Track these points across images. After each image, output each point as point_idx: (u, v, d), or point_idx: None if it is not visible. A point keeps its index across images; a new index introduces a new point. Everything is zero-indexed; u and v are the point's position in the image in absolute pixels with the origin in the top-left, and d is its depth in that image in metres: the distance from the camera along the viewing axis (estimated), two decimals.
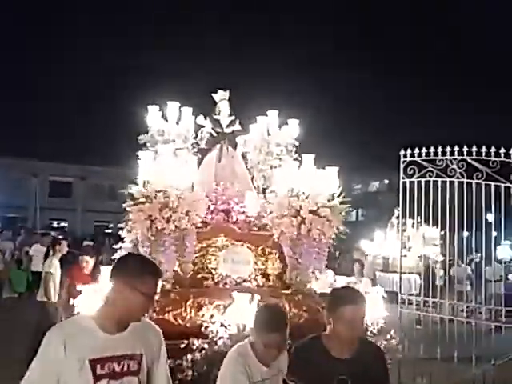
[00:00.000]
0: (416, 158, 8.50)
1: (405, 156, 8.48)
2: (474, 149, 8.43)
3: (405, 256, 10.94)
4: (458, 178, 8.56)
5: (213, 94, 7.43)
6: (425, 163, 8.86)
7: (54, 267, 8.44)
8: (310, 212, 5.27)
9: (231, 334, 4.65)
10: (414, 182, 8.27)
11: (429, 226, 9.73)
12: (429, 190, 8.73)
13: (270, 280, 5.54)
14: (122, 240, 6.29)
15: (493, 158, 8.26)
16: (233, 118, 7.35)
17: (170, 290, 5.08)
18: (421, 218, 9.27)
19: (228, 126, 7.31)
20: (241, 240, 5.82)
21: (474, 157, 8.40)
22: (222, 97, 7.35)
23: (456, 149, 8.56)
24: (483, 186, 8.25)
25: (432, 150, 8.78)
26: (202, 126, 7.10)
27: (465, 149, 8.52)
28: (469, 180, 8.40)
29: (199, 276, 5.45)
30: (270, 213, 5.71)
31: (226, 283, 5.31)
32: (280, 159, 6.68)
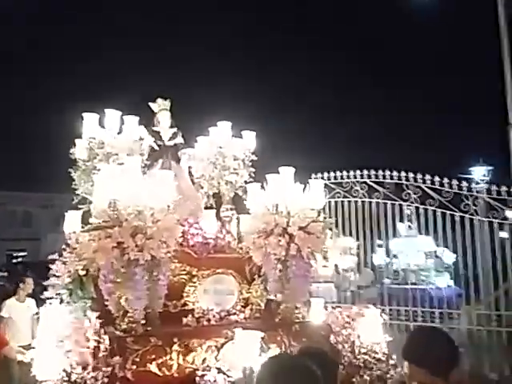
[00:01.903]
0: (326, 181, 9.26)
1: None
2: (373, 172, 9.99)
3: (325, 266, 10.95)
4: (360, 197, 10.14)
5: (151, 104, 6.38)
6: (333, 185, 10.31)
7: None
8: (300, 229, 4.47)
9: (233, 380, 3.70)
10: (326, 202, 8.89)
11: (345, 237, 10.72)
12: (337, 208, 10.25)
13: (253, 310, 4.63)
14: (54, 275, 5.05)
15: (388, 181, 9.50)
16: (175, 129, 6.36)
17: (149, 335, 3.97)
18: (338, 231, 10.08)
19: (170, 139, 6.30)
20: (197, 265, 4.86)
21: (373, 179, 10.07)
22: (161, 106, 6.32)
23: (358, 173, 10.11)
24: (381, 205, 9.93)
25: (338, 173, 10.32)
26: (142, 139, 6.01)
27: (365, 172, 10.04)
28: (369, 199, 10.01)
29: (173, 312, 4.38)
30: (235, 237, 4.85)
31: (209, 319, 4.31)
32: (237, 174, 5.81)
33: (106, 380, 3.58)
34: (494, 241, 9.25)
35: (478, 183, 11.67)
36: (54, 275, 5.04)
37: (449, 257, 13.20)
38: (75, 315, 4.63)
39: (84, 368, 3.58)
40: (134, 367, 3.70)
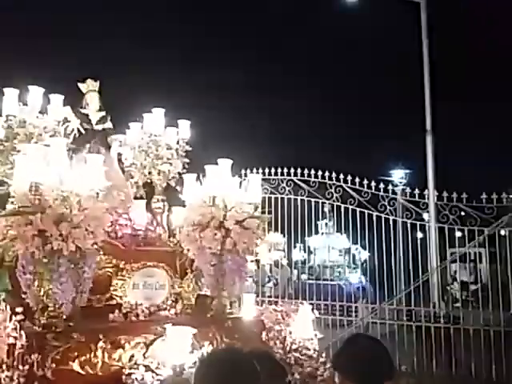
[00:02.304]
0: None
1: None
2: (299, 170, 10.10)
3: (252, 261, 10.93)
4: (286, 194, 10.23)
5: (80, 84, 5.93)
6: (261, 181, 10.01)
7: None
8: (237, 223, 4.29)
9: (162, 379, 3.46)
10: None
11: (274, 233, 10.64)
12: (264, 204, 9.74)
13: (184, 305, 4.38)
14: None
15: (312, 179, 9.66)
16: (103, 113, 5.96)
17: (71, 331, 3.63)
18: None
19: (98, 123, 5.90)
20: (125, 257, 4.56)
21: (299, 177, 10.16)
22: (90, 87, 5.90)
23: (285, 170, 10.19)
24: (305, 202, 10.00)
25: (266, 170, 10.26)
26: (68, 121, 5.56)
27: (292, 170, 10.14)
28: (295, 196, 10.06)
29: (98, 307, 4.05)
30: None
31: (137, 314, 4.02)
32: (171, 164, 5.53)
33: (22, 380, 3.23)
34: (407, 240, 9.55)
35: (396, 185, 12.06)
36: None
37: (362, 254, 13.60)
38: None
39: (0, 366, 3.20)
40: (54, 365, 3.36)
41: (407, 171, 16.84)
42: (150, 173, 5.59)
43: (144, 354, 3.60)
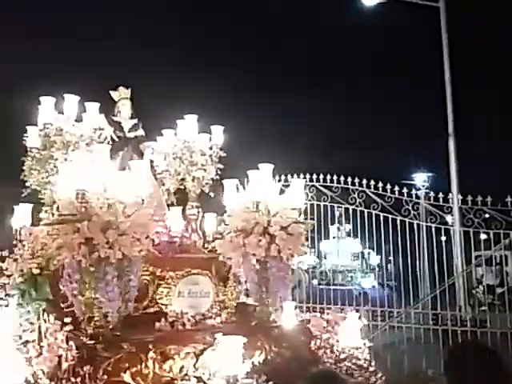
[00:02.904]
0: None
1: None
2: (321, 176, 9.91)
3: None
4: (309, 200, 9.46)
5: (111, 92, 5.86)
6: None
7: None
8: (281, 229, 4.15)
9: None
10: None
11: None
12: None
13: (229, 313, 4.24)
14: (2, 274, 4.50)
15: (335, 184, 9.60)
16: (135, 121, 5.88)
17: (121, 341, 3.51)
18: None
19: (130, 131, 5.82)
20: (161, 265, 4.43)
21: (321, 183, 9.91)
22: (122, 95, 5.82)
23: (308, 176, 9.81)
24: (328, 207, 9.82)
25: (289, 177, 9.37)
26: (101, 129, 5.47)
27: (314, 176, 9.89)
28: (318, 202, 9.78)
29: (141, 316, 3.92)
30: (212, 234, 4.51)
31: (183, 323, 3.88)
32: (205, 170, 5.41)
33: None
34: (432, 244, 9.38)
35: (419, 189, 11.87)
36: (4, 274, 4.44)
37: (374, 258, 13.35)
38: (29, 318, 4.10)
39: (51, 379, 3.08)
40: (106, 377, 3.23)
41: (430, 174, 16.59)
42: (183, 179, 5.48)
43: (194, 365, 3.46)
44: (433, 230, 9.34)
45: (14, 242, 4.67)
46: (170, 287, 3.98)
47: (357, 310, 9.49)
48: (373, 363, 4.17)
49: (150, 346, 3.47)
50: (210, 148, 5.51)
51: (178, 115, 5.87)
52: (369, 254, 14.58)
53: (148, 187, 3.91)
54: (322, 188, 10.29)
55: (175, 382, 3.38)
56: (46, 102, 4.89)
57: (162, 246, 4.88)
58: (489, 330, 8.13)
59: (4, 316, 3.92)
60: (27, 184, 5.23)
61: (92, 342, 3.41)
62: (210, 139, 5.57)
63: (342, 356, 4.01)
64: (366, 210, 9.91)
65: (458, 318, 8.86)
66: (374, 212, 9.81)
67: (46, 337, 3.94)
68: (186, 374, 3.40)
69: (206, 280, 4.13)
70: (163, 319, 3.86)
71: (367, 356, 4.11)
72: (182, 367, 3.45)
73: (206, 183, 5.46)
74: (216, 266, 4.53)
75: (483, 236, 9.44)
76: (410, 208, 9.58)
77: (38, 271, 4.42)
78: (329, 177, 10.07)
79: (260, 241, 4.12)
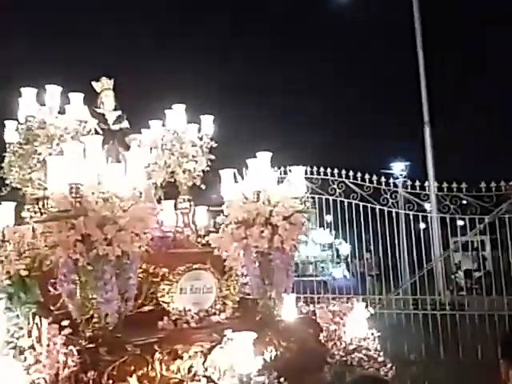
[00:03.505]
0: None
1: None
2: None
3: None
4: None
5: (94, 83, 5.54)
6: None
7: None
8: (284, 219, 3.95)
9: None
10: None
11: None
12: None
13: (232, 309, 4.01)
14: None
15: (315, 176, 9.10)
16: (119, 112, 5.58)
17: (123, 342, 3.25)
18: None
19: (115, 123, 5.51)
20: (155, 262, 4.17)
21: None
22: (105, 85, 5.51)
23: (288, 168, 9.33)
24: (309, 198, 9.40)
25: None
26: (85, 122, 5.15)
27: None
28: None
29: (141, 315, 3.66)
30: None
31: (187, 321, 3.64)
32: (196, 161, 5.16)
33: None
34: (410, 232, 9.26)
35: (397, 178, 11.87)
36: None
37: (345, 248, 13.27)
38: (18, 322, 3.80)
39: None
40: (111, 382, 2.97)
41: (407, 163, 16.68)
42: (173, 172, 5.23)
43: (203, 364, 3.23)
44: (411, 217, 9.36)
45: None
46: (171, 284, 3.73)
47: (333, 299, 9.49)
48: (381, 353, 4.02)
49: (156, 347, 3.22)
50: (201, 139, 5.26)
51: (163, 106, 5.61)
52: (340, 244, 14.51)
53: (145, 179, 3.64)
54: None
55: (184, 383, 3.14)
56: (28, 94, 4.55)
57: (155, 241, 4.61)
58: (467, 312, 8.28)
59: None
60: (7, 182, 4.91)
61: (93, 345, 3.13)
62: (200, 130, 5.33)
63: (351, 347, 3.84)
64: (345, 200, 9.85)
65: (438, 302, 8.90)
66: (353, 202, 9.77)
67: (40, 341, 3.67)
68: (196, 375, 3.17)
69: (208, 275, 3.89)
70: (166, 317, 3.61)
71: (377, 346, 3.96)
72: (191, 367, 3.22)
73: (198, 175, 5.23)
74: (212, 260, 4.29)
75: (461, 222, 9.50)
76: (388, 197, 9.58)
77: (26, 273, 4.11)
78: (308, 168, 9.97)
79: (262, 232, 3.91)
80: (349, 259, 13.11)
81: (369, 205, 9.79)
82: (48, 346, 3.13)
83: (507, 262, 8.35)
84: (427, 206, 10.11)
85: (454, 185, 8.70)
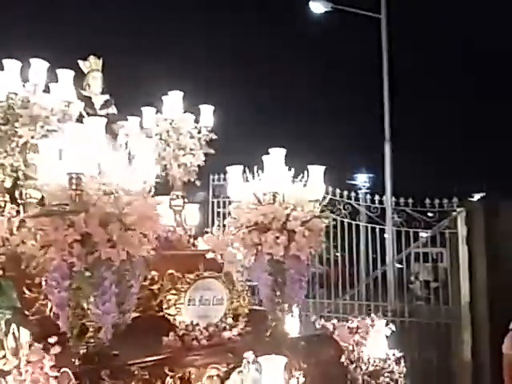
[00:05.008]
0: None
1: (213, 180, 9.38)
2: None
3: None
4: None
5: (80, 62, 4.85)
6: None
7: None
8: (302, 224, 3.43)
9: None
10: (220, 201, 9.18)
11: None
12: None
13: (242, 323, 3.41)
14: None
15: None
16: (107, 96, 4.93)
17: (124, 363, 2.63)
18: None
19: (102, 108, 4.85)
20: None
21: None
22: (93, 66, 4.83)
23: None
24: None
25: None
26: (70, 103, 4.45)
27: None
28: None
29: (145, 328, 3.03)
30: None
31: (196, 337, 3.04)
32: (193, 155, 4.57)
33: None
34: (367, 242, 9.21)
35: (360, 189, 11.78)
36: None
37: None
38: None
39: None
40: None
41: (370, 175, 16.70)
42: (165, 165, 4.62)
43: None
44: (368, 228, 9.14)
45: None
46: (178, 294, 3.12)
47: None
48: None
49: (166, 370, 2.62)
50: (199, 131, 4.68)
51: (154, 92, 5.00)
52: None
53: (156, 171, 3.04)
54: None
55: None
56: (11, 67, 3.81)
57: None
58: (414, 320, 8.18)
59: None
60: None
61: (92, 366, 2.51)
62: (198, 120, 4.74)
63: (373, 369, 3.36)
64: None
65: (389, 309, 8.69)
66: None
67: (16, 354, 3.02)
68: None
69: (218, 284, 3.30)
70: (172, 333, 3.00)
71: (403, 369, 3.49)
72: None
73: (194, 170, 4.65)
74: (206, 264, 3.73)
75: (424, 234, 9.54)
76: (346, 211, 9.44)
77: (0, 272, 3.43)
78: None
79: (277, 238, 3.37)
80: None
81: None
82: (32, 369, 2.47)
83: (444, 273, 8.61)
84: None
85: (402, 200, 8.76)
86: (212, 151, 4.66)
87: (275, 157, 3.62)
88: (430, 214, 8.75)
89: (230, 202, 3.80)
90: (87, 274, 2.67)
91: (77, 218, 2.59)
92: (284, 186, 3.55)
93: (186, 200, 4.66)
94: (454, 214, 7.83)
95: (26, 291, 3.54)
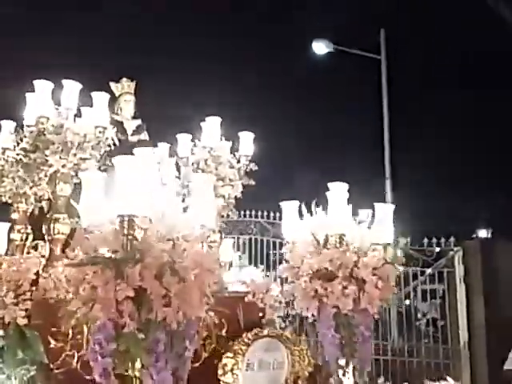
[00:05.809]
0: None
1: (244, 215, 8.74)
2: None
3: None
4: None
5: (112, 84, 4.44)
6: None
7: None
8: (374, 271, 2.96)
9: None
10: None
11: None
12: None
13: None
14: None
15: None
16: (139, 121, 4.51)
17: None
18: None
19: (134, 134, 4.42)
20: None
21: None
22: (126, 88, 4.42)
23: None
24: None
25: None
26: (104, 128, 4.00)
27: None
28: None
29: None
30: None
31: None
32: (232, 186, 4.12)
33: None
34: None
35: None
36: None
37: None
38: None
39: None
40: None
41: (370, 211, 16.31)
42: None
43: None
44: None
45: None
46: (236, 357, 2.61)
47: None
48: None
49: None
50: (238, 161, 4.24)
51: (186, 117, 4.57)
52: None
53: (215, 213, 2.58)
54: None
55: None
56: (42, 88, 3.37)
57: None
58: (415, 359, 7.76)
59: None
60: None
61: None
62: (236, 149, 4.31)
63: None
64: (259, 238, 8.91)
65: (389, 348, 8.26)
66: (265, 239, 8.93)
67: None
68: None
69: (278, 344, 2.80)
70: None
71: None
72: None
73: (231, 202, 4.20)
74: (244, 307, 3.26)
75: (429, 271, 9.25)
76: None
77: (25, 321, 2.94)
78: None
79: (345, 288, 2.89)
80: None
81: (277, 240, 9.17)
82: None
83: (443, 311, 8.21)
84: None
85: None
86: (253, 182, 4.21)
87: (335, 190, 3.17)
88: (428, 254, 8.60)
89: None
90: (140, 335, 2.18)
91: (131, 270, 2.12)
92: (349, 226, 3.09)
93: (222, 235, 4.20)
94: (451, 253, 7.64)
95: (52, 341, 3.07)
